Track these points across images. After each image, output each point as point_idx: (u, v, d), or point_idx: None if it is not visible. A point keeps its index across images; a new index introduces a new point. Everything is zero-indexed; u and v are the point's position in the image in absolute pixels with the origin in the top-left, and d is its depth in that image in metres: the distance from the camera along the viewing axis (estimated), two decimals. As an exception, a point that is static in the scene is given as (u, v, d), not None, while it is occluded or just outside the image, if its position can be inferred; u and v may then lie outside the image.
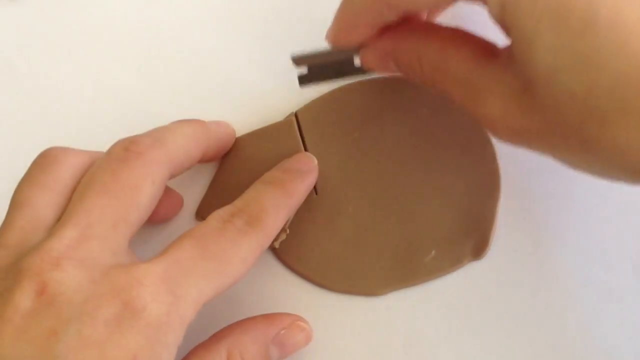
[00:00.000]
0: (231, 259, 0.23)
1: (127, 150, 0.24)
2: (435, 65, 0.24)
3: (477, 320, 0.28)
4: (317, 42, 0.29)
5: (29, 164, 0.25)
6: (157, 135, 0.25)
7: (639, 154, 0.19)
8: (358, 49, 0.27)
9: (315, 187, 0.29)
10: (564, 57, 0.19)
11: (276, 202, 0.25)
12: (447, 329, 0.28)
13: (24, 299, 0.20)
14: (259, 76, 0.32)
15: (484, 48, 0.23)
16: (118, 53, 0.32)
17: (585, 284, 0.28)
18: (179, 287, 0.21)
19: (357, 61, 0.28)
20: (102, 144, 0.31)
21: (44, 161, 0.25)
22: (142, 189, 0.24)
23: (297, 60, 0.28)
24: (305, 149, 0.30)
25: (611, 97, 0.19)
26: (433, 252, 0.29)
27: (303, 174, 0.28)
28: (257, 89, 0.31)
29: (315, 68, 0.29)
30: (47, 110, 0.32)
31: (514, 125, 0.22)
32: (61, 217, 0.23)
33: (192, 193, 0.30)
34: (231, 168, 0.30)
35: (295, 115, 0.30)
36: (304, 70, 0.29)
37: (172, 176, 0.26)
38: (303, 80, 0.29)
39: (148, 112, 0.31)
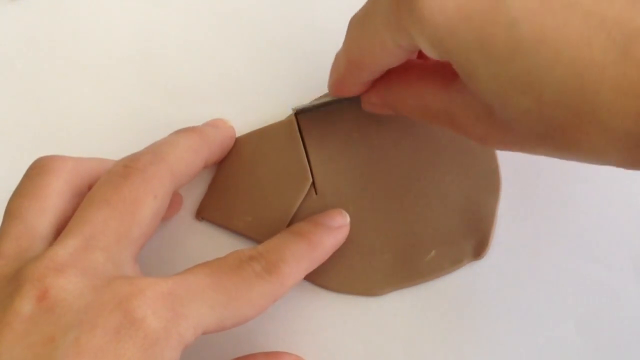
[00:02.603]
0: (240, 297, 0.23)
1: (127, 167, 0.24)
2: (417, 106, 0.25)
3: (477, 320, 0.28)
4: (316, 42, 0.29)
5: (28, 165, 0.25)
6: (156, 151, 0.26)
7: (608, 154, 0.20)
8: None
9: (315, 187, 0.29)
10: (503, 82, 0.19)
11: (298, 254, 0.25)
12: (447, 328, 0.28)
13: (24, 304, 0.20)
14: (259, 76, 0.32)
15: (445, 75, 0.24)
16: (118, 53, 0.32)
17: (585, 284, 0.28)
18: (182, 307, 0.21)
19: None
20: (102, 144, 0.31)
21: (33, 172, 0.25)
22: (144, 204, 0.24)
23: (299, 112, 0.30)
24: (305, 149, 0.30)
25: (561, 108, 0.19)
26: (433, 252, 0.29)
27: (332, 229, 0.28)
28: (257, 89, 0.31)
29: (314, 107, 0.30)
30: (46, 110, 0.32)
31: (496, 139, 0.23)
32: (65, 228, 0.23)
33: (192, 193, 0.30)
34: (231, 168, 0.30)
35: (295, 115, 0.30)
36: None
37: (175, 189, 0.26)
38: (300, 111, 0.30)
39: (148, 112, 0.31)
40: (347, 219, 0.29)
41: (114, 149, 0.29)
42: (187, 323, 0.21)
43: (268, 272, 0.24)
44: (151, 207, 0.24)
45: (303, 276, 0.26)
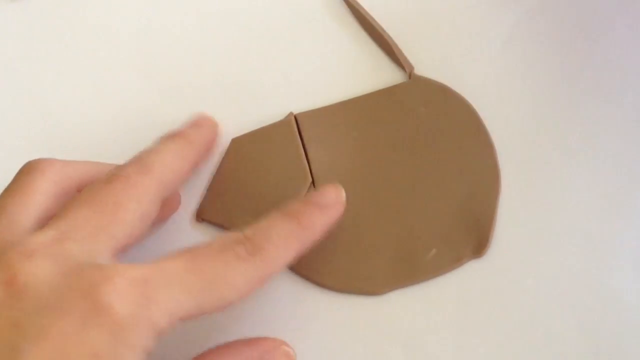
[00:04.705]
0: (220, 281, 0.22)
1: (112, 175, 0.24)
2: None
3: (477, 318, 0.28)
4: (316, 42, 0.29)
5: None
6: (142, 161, 0.25)
7: None
8: None
9: (314, 187, 0.29)
10: None
11: (286, 234, 0.24)
12: (448, 327, 0.28)
13: None
14: (258, 76, 0.32)
15: None
16: (118, 53, 0.32)
17: (585, 284, 0.28)
18: (155, 292, 0.21)
19: None
20: (102, 143, 0.31)
21: (21, 175, 0.25)
22: (126, 207, 0.23)
23: None
24: (305, 149, 0.30)
25: None
26: (433, 250, 0.29)
27: (324, 207, 0.26)
28: (256, 89, 0.31)
29: None
30: (46, 110, 0.32)
31: None
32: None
33: (192, 194, 0.30)
34: (231, 168, 0.30)
35: (294, 116, 0.30)
36: None
37: (164, 196, 0.26)
38: None
39: (147, 112, 0.31)
40: (342, 194, 0.27)
41: (114, 149, 0.29)
42: (161, 310, 0.21)
43: (251, 254, 0.23)
44: (134, 210, 0.24)
45: (293, 257, 0.25)
